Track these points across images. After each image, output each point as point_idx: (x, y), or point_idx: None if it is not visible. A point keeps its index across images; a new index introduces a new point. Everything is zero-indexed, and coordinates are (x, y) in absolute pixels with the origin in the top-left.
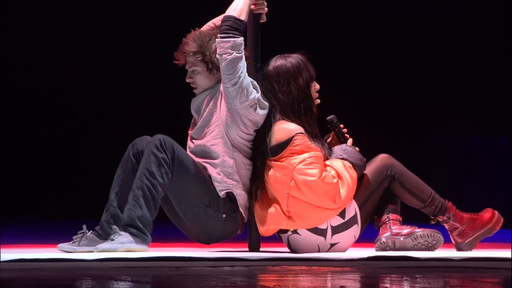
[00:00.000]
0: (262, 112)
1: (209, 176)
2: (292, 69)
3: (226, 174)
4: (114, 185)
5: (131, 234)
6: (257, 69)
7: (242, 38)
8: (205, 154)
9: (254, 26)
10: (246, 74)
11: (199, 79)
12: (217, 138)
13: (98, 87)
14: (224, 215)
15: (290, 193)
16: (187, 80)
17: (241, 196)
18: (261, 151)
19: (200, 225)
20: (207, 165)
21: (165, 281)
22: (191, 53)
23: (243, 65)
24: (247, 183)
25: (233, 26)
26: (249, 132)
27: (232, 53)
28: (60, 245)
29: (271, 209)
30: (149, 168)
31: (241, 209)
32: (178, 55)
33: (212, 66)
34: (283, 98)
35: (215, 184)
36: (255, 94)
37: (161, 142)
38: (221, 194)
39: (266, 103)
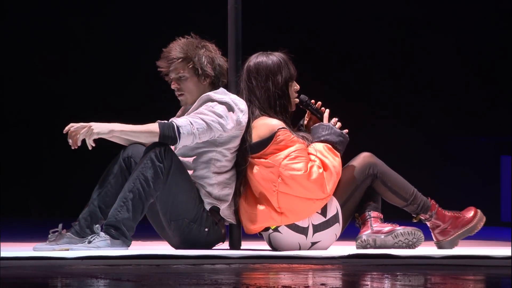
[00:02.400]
0: (230, 126)
1: (198, 191)
2: (272, 66)
3: (214, 193)
4: (98, 185)
5: (112, 236)
6: (238, 67)
7: (177, 136)
8: (191, 169)
9: (235, 24)
10: (208, 129)
11: (187, 86)
12: (204, 161)
13: (83, 89)
14: (206, 229)
15: (278, 189)
16: (173, 87)
17: (225, 208)
18: (241, 148)
19: (182, 237)
20: (196, 182)
21: (146, 279)
22: (180, 59)
23: (205, 131)
24: (232, 193)
25: (167, 135)
26: (234, 149)
27: (200, 136)
28: (36, 245)
29: (261, 207)
30: (144, 174)
31: (226, 218)
32: (162, 62)
33: (201, 72)
34: (260, 93)
35: (204, 199)
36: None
37: (161, 151)
38: (207, 208)
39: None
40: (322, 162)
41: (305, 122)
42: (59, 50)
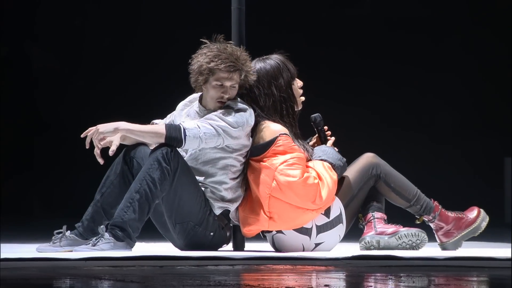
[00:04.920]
0: (235, 134)
1: (204, 195)
2: (271, 70)
3: (228, 197)
4: (101, 186)
5: (116, 237)
6: None
7: (183, 138)
8: (208, 176)
9: (238, 25)
10: (213, 134)
11: (233, 94)
12: (221, 167)
13: (83, 91)
14: (212, 233)
15: (271, 193)
16: (224, 94)
17: (234, 210)
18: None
19: (186, 240)
20: (210, 186)
21: (149, 280)
22: (244, 71)
23: (213, 136)
24: (243, 194)
25: (173, 136)
26: (246, 153)
27: (206, 141)
28: (39, 246)
29: (254, 210)
30: (152, 175)
31: (233, 220)
32: (230, 73)
33: (244, 83)
34: (264, 101)
35: (215, 204)
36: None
37: (168, 153)
38: (218, 212)
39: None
40: (318, 175)
41: (311, 142)
42: (62, 50)
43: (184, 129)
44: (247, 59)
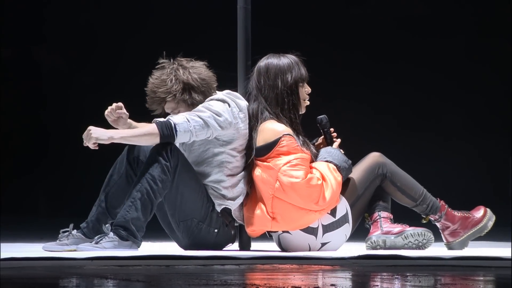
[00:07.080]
0: (220, 129)
1: (206, 191)
2: (282, 65)
3: (228, 195)
4: (105, 185)
5: (121, 237)
6: (247, 67)
7: (174, 133)
8: (206, 175)
9: (244, 24)
10: (198, 124)
11: (184, 109)
12: (217, 165)
13: (88, 88)
14: (216, 230)
15: (274, 194)
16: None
17: (236, 209)
18: (248, 150)
19: (191, 238)
20: (209, 185)
21: (155, 279)
22: (166, 101)
23: (202, 128)
24: (244, 193)
25: (166, 134)
26: (240, 147)
27: (197, 134)
28: (45, 245)
29: (257, 210)
30: (152, 173)
31: (237, 219)
32: (156, 106)
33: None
34: (268, 92)
35: (216, 201)
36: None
37: (168, 151)
38: (218, 209)
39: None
40: (323, 176)
41: (317, 143)
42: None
43: (174, 124)
44: (166, 82)
